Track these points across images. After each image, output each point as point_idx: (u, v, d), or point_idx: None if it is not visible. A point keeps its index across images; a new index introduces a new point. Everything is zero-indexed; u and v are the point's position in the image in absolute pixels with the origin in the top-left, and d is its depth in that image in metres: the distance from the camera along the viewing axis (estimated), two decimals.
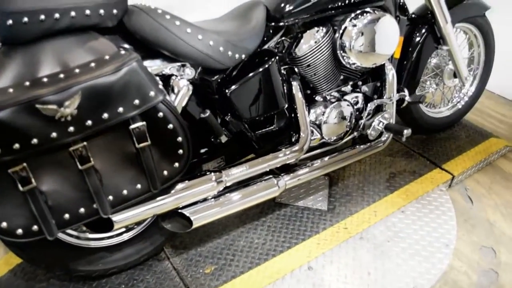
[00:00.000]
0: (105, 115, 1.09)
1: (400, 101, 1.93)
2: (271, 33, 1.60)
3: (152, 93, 1.13)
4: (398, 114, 2.27)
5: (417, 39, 2.05)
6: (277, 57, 1.54)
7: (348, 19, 1.60)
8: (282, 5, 1.54)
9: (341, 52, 1.62)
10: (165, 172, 1.24)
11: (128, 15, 1.23)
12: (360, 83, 1.84)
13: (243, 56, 1.42)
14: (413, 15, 2.09)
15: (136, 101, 1.12)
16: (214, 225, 1.81)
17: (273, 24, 1.55)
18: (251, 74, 1.48)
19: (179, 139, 1.21)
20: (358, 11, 1.63)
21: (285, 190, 1.66)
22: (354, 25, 1.59)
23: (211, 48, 1.32)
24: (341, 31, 1.60)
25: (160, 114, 1.17)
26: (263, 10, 1.53)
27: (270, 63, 1.52)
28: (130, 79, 1.10)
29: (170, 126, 1.19)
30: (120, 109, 1.11)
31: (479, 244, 1.85)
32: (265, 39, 1.60)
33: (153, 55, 1.31)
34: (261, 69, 1.50)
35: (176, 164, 1.24)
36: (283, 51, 1.65)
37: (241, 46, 1.40)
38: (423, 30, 2.04)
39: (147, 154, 1.19)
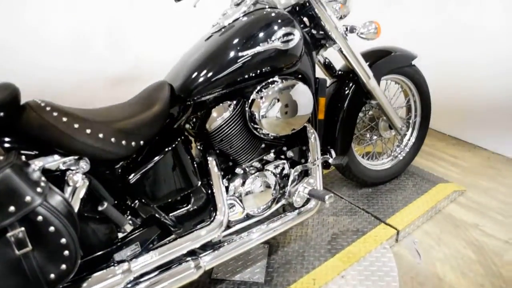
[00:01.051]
0: None
1: (326, 163, 1.90)
2: (181, 111, 1.59)
3: (28, 198, 1.09)
4: (339, 171, 2.24)
5: (344, 95, 2.05)
6: (183, 137, 1.52)
7: (255, 91, 1.60)
8: (186, 84, 1.53)
9: (252, 124, 1.60)
10: (52, 276, 1.18)
11: (19, 114, 1.22)
12: (285, 148, 1.81)
13: (141, 142, 1.39)
14: (339, 72, 2.10)
15: (11, 208, 1.08)
16: None
17: (179, 103, 1.54)
18: (156, 158, 1.45)
19: (63, 240, 1.16)
20: (269, 80, 1.62)
21: (206, 271, 1.59)
22: (262, 97, 1.58)
23: (101, 141, 1.29)
24: (249, 103, 1.59)
25: (40, 218, 1.12)
26: (168, 91, 1.52)
27: (176, 143, 1.50)
28: (3, 186, 1.06)
29: (52, 228, 1.14)
30: None
31: None
32: (175, 116, 1.58)
33: (48, 151, 1.28)
34: (166, 151, 1.48)
35: (63, 266, 1.18)
36: (195, 128, 1.63)
37: (137, 134, 1.37)
38: (350, 86, 2.05)
39: (29, 260, 1.13)
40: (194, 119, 1.65)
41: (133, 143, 1.36)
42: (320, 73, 2.04)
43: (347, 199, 2.27)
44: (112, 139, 1.31)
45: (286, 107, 1.61)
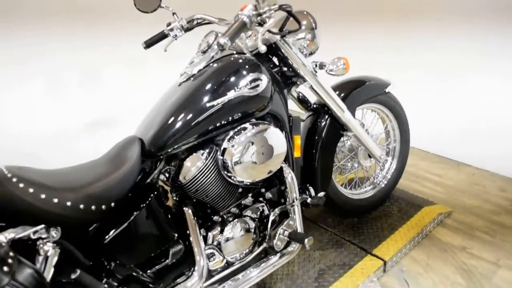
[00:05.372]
0: None
1: (305, 203, 1.89)
2: (153, 165, 1.58)
3: None
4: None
5: (321, 129, 2.04)
6: (155, 192, 1.51)
7: (227, 139, 1.59)
8: (157, 139, 1.52)
9: (225, 172, 1.59)
10: None
11: None
12: (263, 190, 1.80)
13: (112, 204, 1.37)
14: (314, 105, 2.10)
15: None
16: None
17: (151, 158, 1.53)
18: (129, 217, 1.44)
19: None
20: (240, 127, 1.62)
21: None
22: (233, 145, 1.57)
23: (69, 209, 1.27)
24: (221, 152, 1.58)
25: None
26: (138, 146, 1.51)
27: (149, 199, 1.49)
28: None
29: None
30: None
31: None
32: (148, 171, 1.57)
33: (17, 222, 1.27)
34: (140, 208, 1.46)
35: None
36: (169, 179, 1.62)
37: (107, 197, 1.36)
38: (325, 119, 2.04)
39: None
40: (168, 171, 1.63)
41: (103, 207, 1.35)
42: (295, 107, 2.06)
43: (332, 231, 2.25)
44: (81, 206, 1.29)
45: (259, 152, 1.61)
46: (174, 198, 1.66)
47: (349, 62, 1.84)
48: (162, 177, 1.66)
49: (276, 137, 1.66)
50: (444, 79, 2.85)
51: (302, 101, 2.11)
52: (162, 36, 1.90)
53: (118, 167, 1.44)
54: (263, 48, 1.46)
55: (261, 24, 1.57)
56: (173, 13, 1.86)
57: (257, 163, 1.61)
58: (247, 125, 1.62)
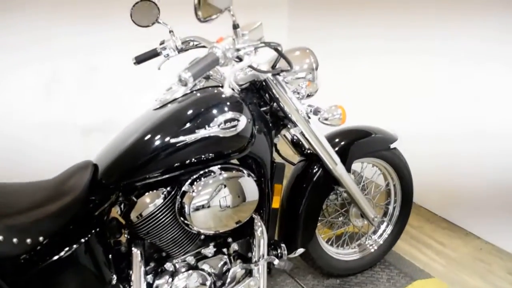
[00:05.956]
0: None
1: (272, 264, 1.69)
2: (104, 197, 1.42)
3: None
4: (302, 258, 2.01)
5: (310, 179, 1.84)
6: (99, 228, 1.35)
7: (189, 181, 1.42)
8: (111, 168, 1.37)
9: (181, 218, 1.41)
10: None
11: None
12: (230, 239, 1.62)
13: (41, 238, 1.22)
14: (308, 151, 1.90)
15: None
16: None
17: (102, 189, 1.38)
18: (65, 252, 1.29)
19: None
20: (207, 170, 1.45)
21: None
22: (194, 190, 1.39)
23: None
24: (179, 196, 1.41)
25: None
26: (89, 174, 1.35)
27: (91, 235, 1.33)
28: None
29: None
30: None
31: None
32: (97, 202, 1.41)
33: None
34: (77, 243, 1.31)
35: None
36: (122, 215, 1.46)
37: (35, 230, 1.20)
38: (317, 168, 1.84)
39: None
40: (124, 204, 1.47)
41: (28, 241, 1.19)
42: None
43: None
44: (0, 237, 1.14)
45: (223, 201, 1.43)
46: (126, 235, 1.50)
47: (346, 113, 1.65)
48: (117, 211, 1.49)
49: (246, 185, 1.48)
50: (465, 136, 2.57)
51: (296, 144, 1.91)
52: (153, 54, 1.76)
53: (59, 196, 1.29)
54: (227, 91, 1.27)
55: (240, 60, 1.39)
56: (170, 31, 1.70)
57: (219, 213, 1.43)
58: (215, 168, 1.44)
